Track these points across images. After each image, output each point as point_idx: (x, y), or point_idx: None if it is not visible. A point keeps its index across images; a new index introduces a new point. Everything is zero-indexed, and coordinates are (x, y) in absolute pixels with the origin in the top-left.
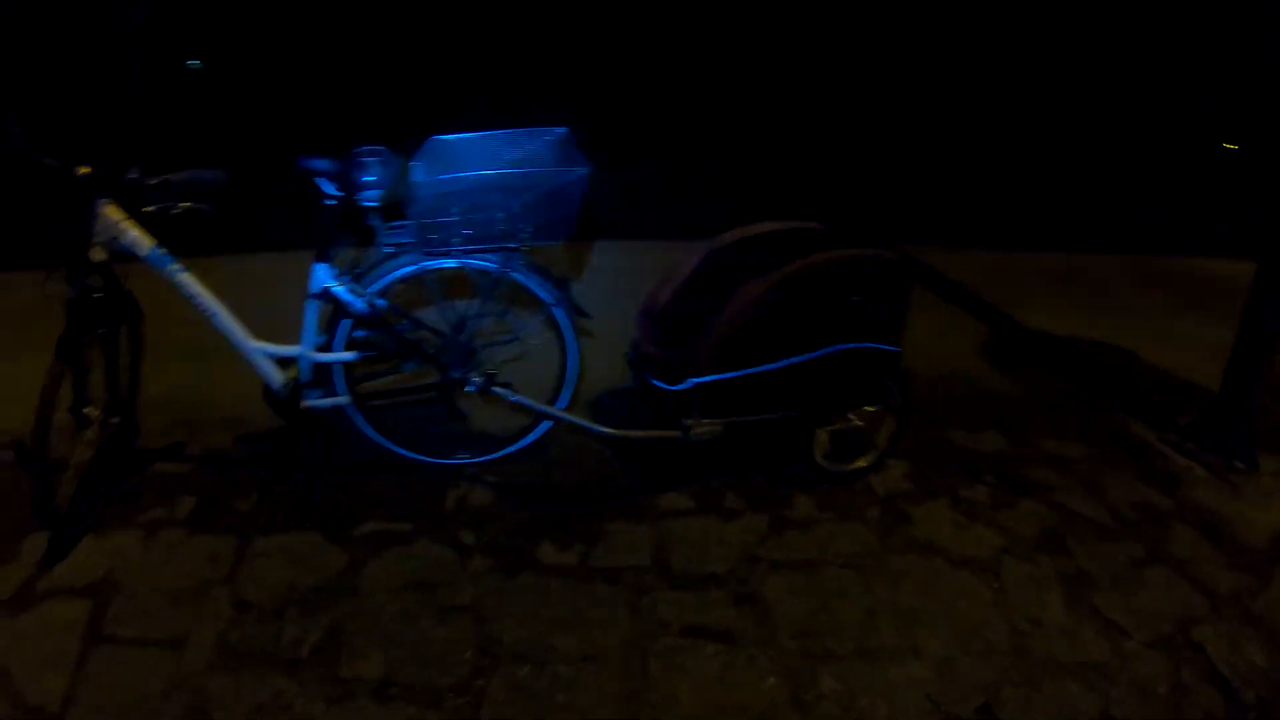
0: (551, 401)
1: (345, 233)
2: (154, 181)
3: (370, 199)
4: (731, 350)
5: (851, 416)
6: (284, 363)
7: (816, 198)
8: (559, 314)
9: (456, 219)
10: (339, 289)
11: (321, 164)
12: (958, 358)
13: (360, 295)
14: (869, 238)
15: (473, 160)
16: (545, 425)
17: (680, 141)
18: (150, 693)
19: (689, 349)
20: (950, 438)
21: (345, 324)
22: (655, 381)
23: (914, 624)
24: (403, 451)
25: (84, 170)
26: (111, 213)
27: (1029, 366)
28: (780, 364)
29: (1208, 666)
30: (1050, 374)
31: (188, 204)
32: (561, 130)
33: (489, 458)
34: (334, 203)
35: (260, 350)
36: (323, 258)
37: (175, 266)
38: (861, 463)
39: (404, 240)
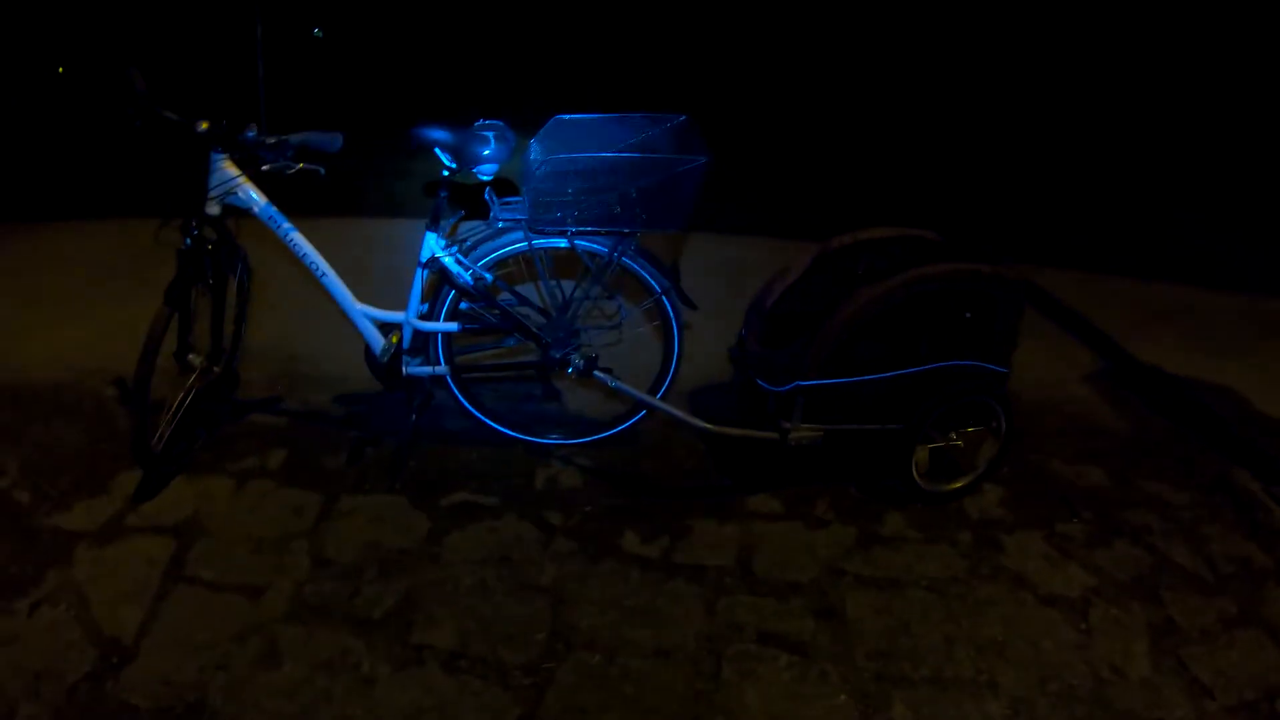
0: (651, 391)
1: (458, 204)
2: (271, 140)
3: (485, 172)
4: (839, 356)
5: (953, 435)
6: (387, 328)
7: (926, 206)
8: (667, 303)
9: (571, 199)
10: (447, 259)
11: (439, 134)
12: (1063, 385)
13: (468, 268)
14: (983, 251)
15: (592, 141)
16: (640, 414)
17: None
18: (223, 635)
19: (796, 351)
20: (1050, 468)
21: (450, 294)
22: (759, 380)
23: (994, 657)
24: (497, 426)
25: (204, 125)
26: (228, 167)
27: (1137, 401)
28: (887, 375)
29: None
30: (1157, 412)
31: (302, 164)
32: (682, 118)
33: (582, 440)
34: (449, 174)
35: (365, 313)
36: (433, 227)
37: (287, 224)
38: (958, 484)
39: (516, 216)
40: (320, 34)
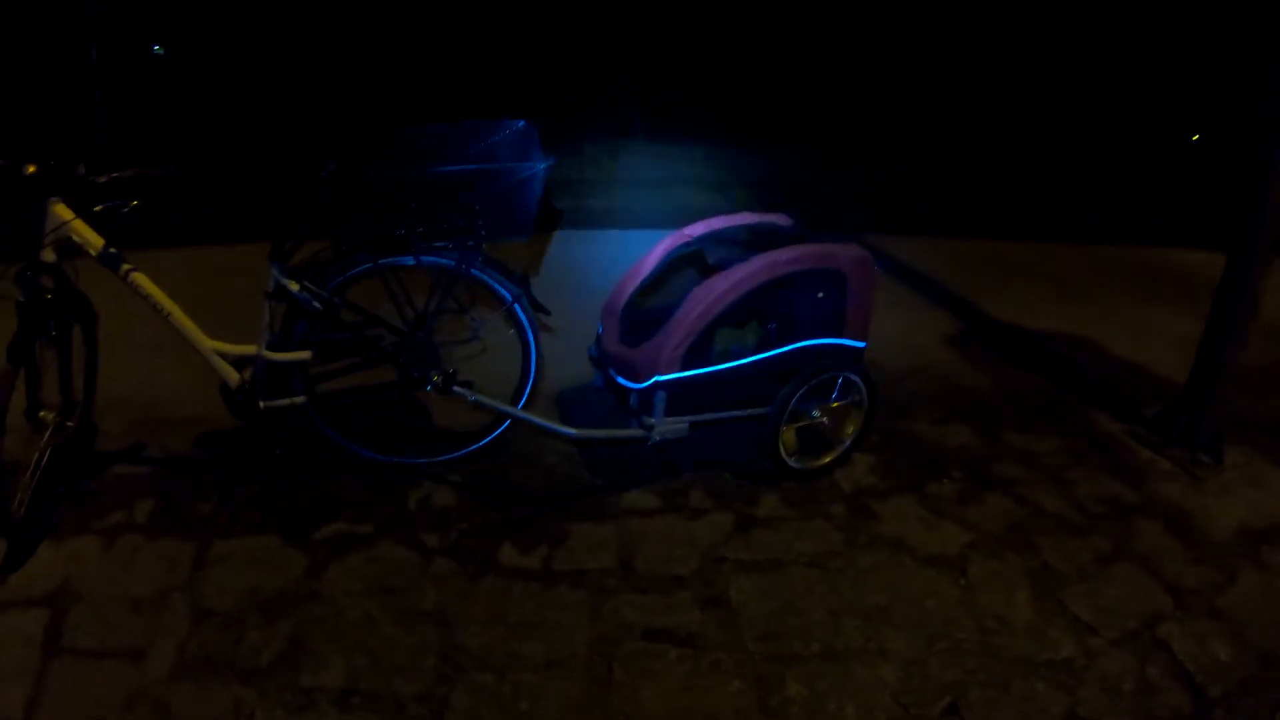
0: (514, 399)
1: (300, 228)
2: (102, 179)
3: (327, 194)
4: (696, 348)
5: (817, 413)
6: (240, 362)
7: (780, 187)
8: (519, 310)
9: (413, 215)
10: (294, 288)
11: (280, 156)
12: (924, 351)
13: (315, 294)
14: (834, 230)
15: (435, 154)
16: (506, 423)
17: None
18: (111, 705)
19: (652, 346)
20: (917, 432)
21: (302, 323)
22: (619, 379)
23: (880, 624)
24: (364, 451)
25: (31, 169)
26: (61, 212)
27: (997, 359)
28: (745, 361)
29: (1174, 664)
30: (1018, 366)
31: (136, 201)
32: (521, 123)
33: (450, 456)
34: (289, 197)
35: (215, 350)
36: (277, 255)
37: (127, 266)
38: (827, 459)
39: (360, 237)
40: (161, 50)
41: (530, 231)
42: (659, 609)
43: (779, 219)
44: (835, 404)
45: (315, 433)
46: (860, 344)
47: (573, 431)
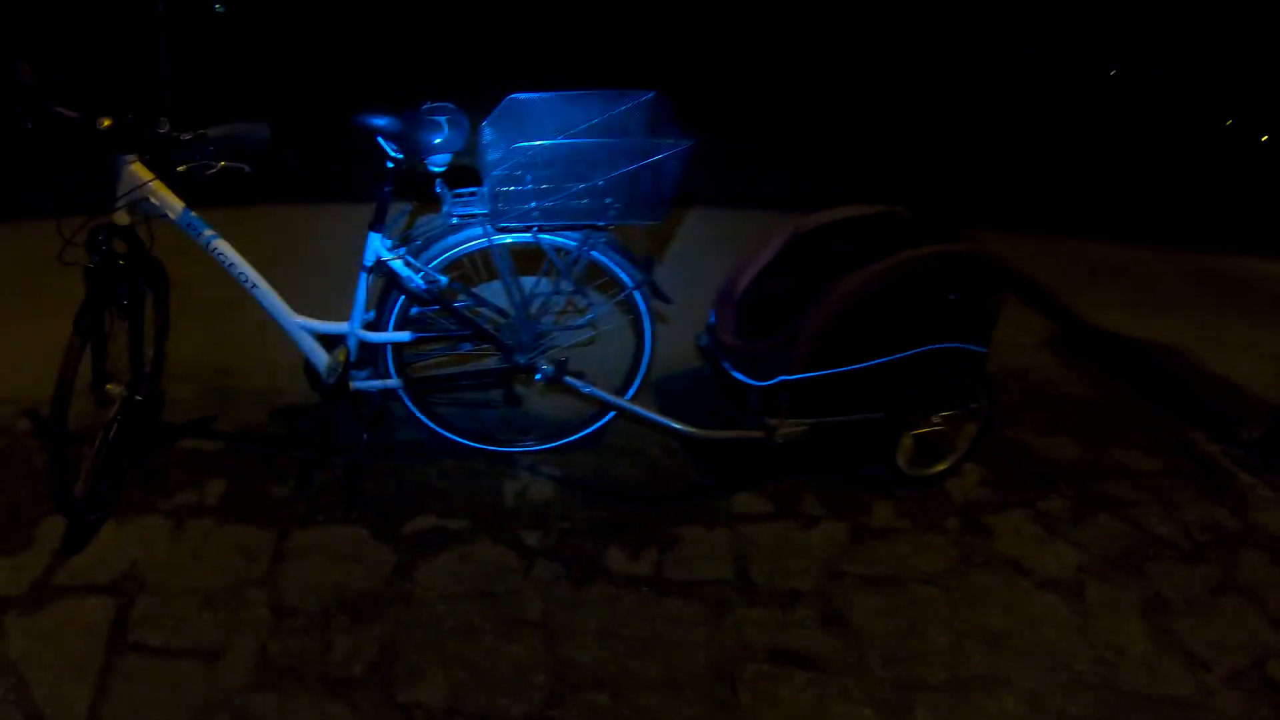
0: (621, 390)
1: (405, 199)
2: (187, 136)
3: (437, 164)
4: (827, 347)
5: (936, 419)
6: (329, 341)
7: (884, 176)
8: (639, 298)
9: (535, 191)
10: (395, 263)
11: (382, 122)
12: (1023, 353)
13: (419, 270)
14: (956, 227)
15: (551, 122)
16: (610, 414)
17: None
18: (184, 713)
19: (778, 343)
20: (1023, 441)
21: (400, 300)
22: (738, 375)
23: (1002, 651)
24: (455, 437)
25: (106, 123)
26: (137, 171)
27: (1094, 367)
28: (874, 362)
29: None
30: (1114, 376)
31: (224, 163)
32: (650, 94)
33: (549, 445)
34: (393, 165)
35: (303, 326)
36: (378, 226)
37: (210, 232)
38: (941, 466)
39: (474, 211)
40: (221, 8)
41: (664, 216)
42: (780, 626)
43: (898, 211)
44: (953, 411)
45: (403, 412)
46: (983, 350)
47: (695, 432)
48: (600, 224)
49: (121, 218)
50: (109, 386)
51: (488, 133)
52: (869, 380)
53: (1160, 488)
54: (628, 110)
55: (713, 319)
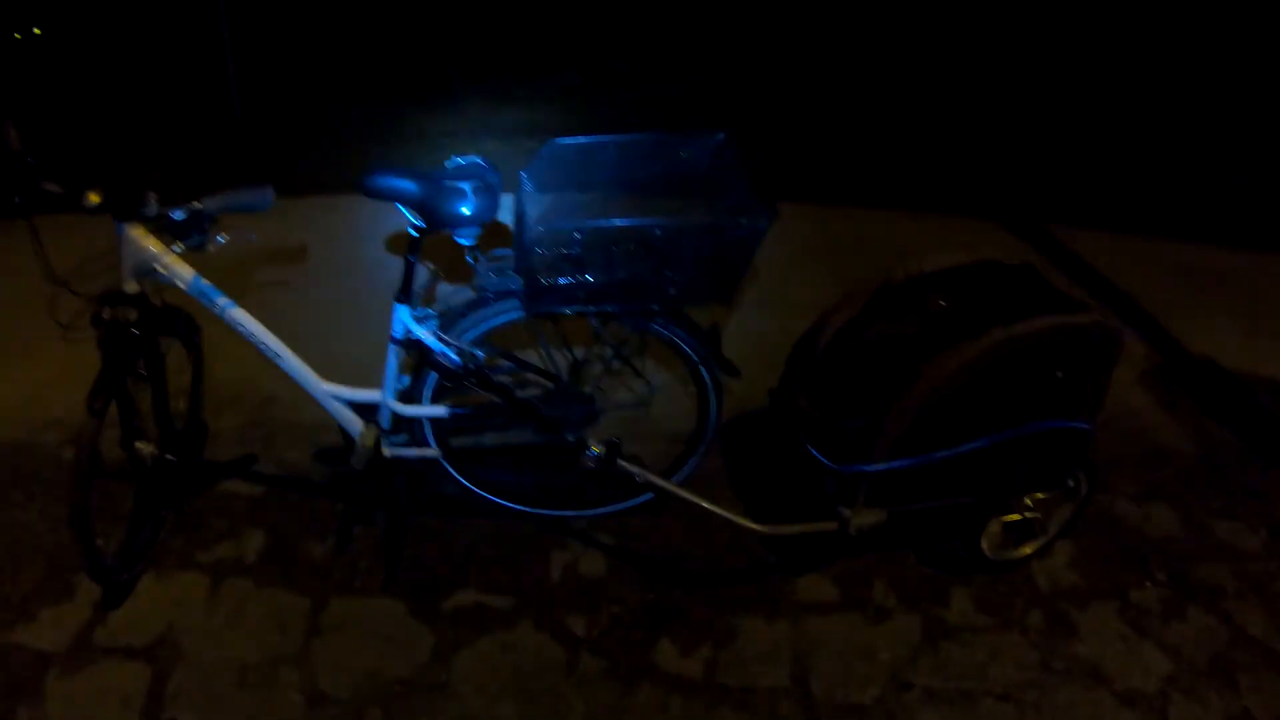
0: (679, 463)
1: (434, 260)
2: (179, 215)
3: (465, 236)
4: (915, 435)
5: (1028, 502)
6: (364, 408)
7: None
8: (704, 372)
9: (580, 267)
10: (428, 338)
11: (402, 186)
12: (1117, 390)
13: (452, 344)
14: (1077, 298)
15: (602, 172)
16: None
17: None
18: None
19: (862, 427)
20: (1118, 512)
21: (434, 376)
22: (813, 451)
23: None
24: (504, 502)
25: (94, 199)
26: (140, 238)
27: (1197, 408)
28: (964, 449)
29: None
30: (1220, 420)
31: (226, 235)
32: (720, 136)
33: (601, 511)
34: (418, 234)
35: (334, 394)
36: (404, 298)
37: (225, 300)
38: (1027, 550)
39: (509, 287)
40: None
41: (733, 296)
42: None
43: (1000, 260)
44: (1047, 493)
45: (445, 476)
46: (1089, 427)
47: (762, 529)
48: (657, 307)
49: (131, 286)
50: (139, 445)
51: (526, 184)
52: (958, 465)
53: (1260, 574)
54: (694, 156)
55: (788, 377)
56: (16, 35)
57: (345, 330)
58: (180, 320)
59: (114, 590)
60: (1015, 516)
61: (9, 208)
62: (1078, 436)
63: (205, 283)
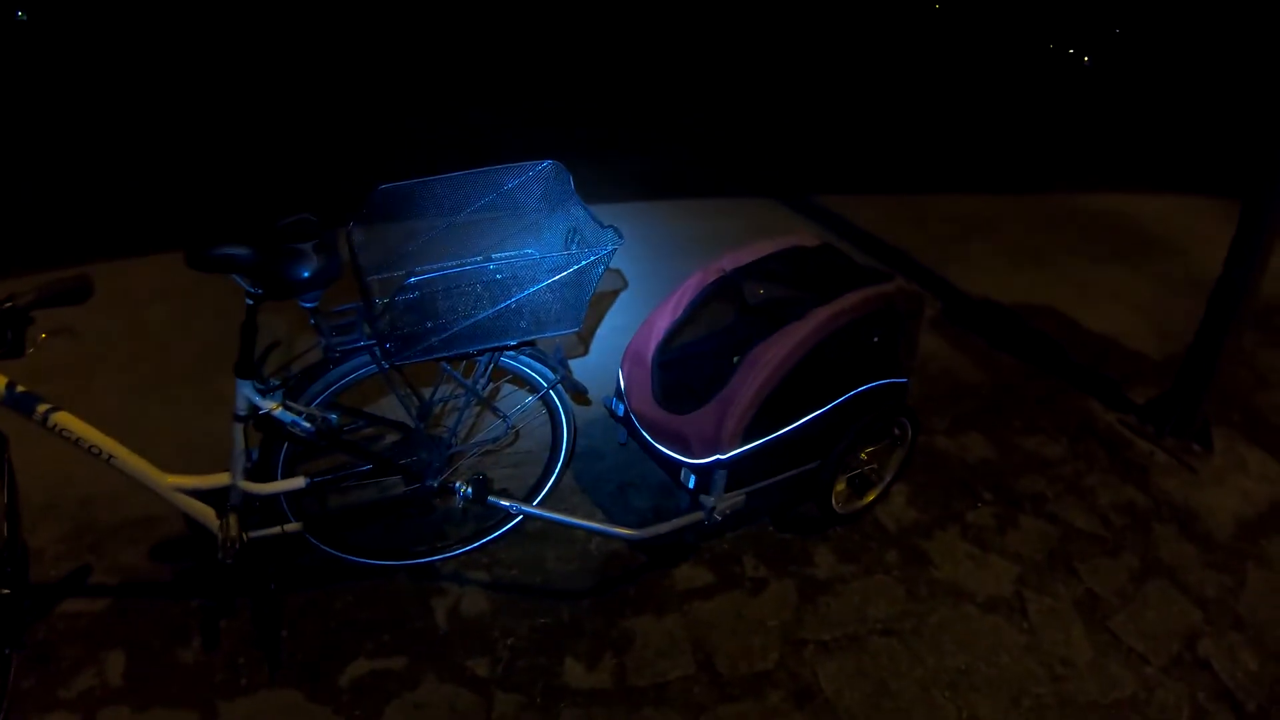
0: (537, 487)
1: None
2: None
3: (309, 300)
4: (761, 419)
5: (865, 456)
6: (212, 496)
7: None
8: (554, 397)
9: (431, 326)
10: (277, 411)
11: (235, 252)
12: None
13: (302, 412)
14: (880, 269)
15: (434, 209)
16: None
17: None
18: None
19: (708, 420)
20: (938, 447)
21: (285, 446)
22: (662, 449)
23: (966, 690)
24: (372, 561)
25: None
26: None
27: (984, 344)
28: (804, 420)
29: (1217, 684)
30: (1004, 350)
31: (44, 335)
32: (547, 164)
33: (468, 548)
34: (253, 303)
35: (179, 489)
36: (245, 373)
37: (46, 407)
38: (870, 497)
39: (357, 344)
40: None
41: (582, 322)
42: (758, 717)
43: (806, 240)
44: (880, 444)
45: (304, 547)
46: (906, 380)
47: (637, 535)
48: (512, 343)
49: None
50: None
51: (357, 233)
52: (802, 436)
53: (1070, 475)
54: (522, 183)
55: (622, 380)
56: None
57: (184, 414)
58: None
59: None
60: (855, 471)
61: None
62: (898, 389)
63: (21, 390)
